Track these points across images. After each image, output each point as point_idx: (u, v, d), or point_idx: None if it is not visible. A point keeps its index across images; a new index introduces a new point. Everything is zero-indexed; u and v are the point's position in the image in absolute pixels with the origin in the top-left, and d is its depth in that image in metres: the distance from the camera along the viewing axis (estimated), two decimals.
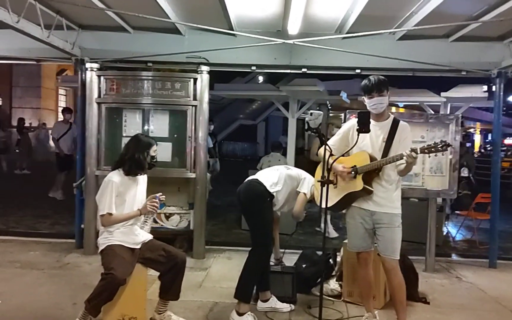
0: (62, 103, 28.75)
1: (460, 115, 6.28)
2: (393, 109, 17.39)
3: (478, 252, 7.42)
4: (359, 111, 3.58)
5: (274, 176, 4.49)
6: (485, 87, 8.61)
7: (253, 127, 28.66)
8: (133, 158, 3.97)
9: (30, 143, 16.71)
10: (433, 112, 9.17)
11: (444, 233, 8.36)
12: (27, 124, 16.85)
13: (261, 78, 20.04)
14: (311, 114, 3.38)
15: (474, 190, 9.34)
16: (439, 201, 7.36)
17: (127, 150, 4.07)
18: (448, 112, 9.44)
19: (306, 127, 3.41)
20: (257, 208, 4.38)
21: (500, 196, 6.55)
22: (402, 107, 15.03)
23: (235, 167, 15.46)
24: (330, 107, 3.27)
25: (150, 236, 4.12)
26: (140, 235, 4.01)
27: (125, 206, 3.94)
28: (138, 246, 3.95)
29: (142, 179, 4.15)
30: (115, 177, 3.94)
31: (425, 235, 6.05)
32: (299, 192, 4.47)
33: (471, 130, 37.52)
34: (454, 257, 7.16)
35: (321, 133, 3.44)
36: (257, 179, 4.45)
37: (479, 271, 6.21)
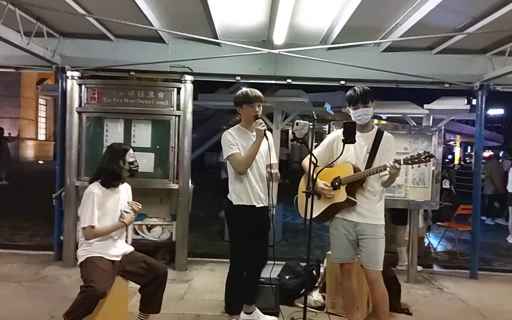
0: (42, 113, 28.45)
1: (443, 127, 6.31)
2: (375, 121, 17.57)
3: (459, 263, 7.46)
4: (345, 121, 3.57)
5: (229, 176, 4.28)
6: (466, 100, 8.72)
7: None
8: (107, 170, 3.92)
9: (9, 154, 16.36)
10: (415, 124, 9.24)
11: (426, 244, 8.40)
12: (6, 135, 16.43)
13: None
14: (297, 124, 3.36)
15: (454, 202, 9.43)
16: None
17: (102, 161, 4.02)
18: (431, 124, 9.53)
19: (292, 137, 3.38)
20: (227, 223, 4.36)
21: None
22: (384, 120, 15.14)
23: (218, 178, 15.39)
24: (316, 118, 3.20)
25: (131, 248, 4.05)
26: (121, 246, 3.94)
27: (106, 217, 3.86)
28: (119, 258, 3.87)
29: (125, 189, 4.09)
30: (96, 188, 3.87)
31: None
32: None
33: (451, 142, 38.03)
34: (435, 268, 7.18)
35: (307, 144, 3.42)
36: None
37: (460, 282, 6.24)
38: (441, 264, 7.51)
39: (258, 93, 4.13)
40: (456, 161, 37.11)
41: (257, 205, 4.14)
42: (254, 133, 4.07)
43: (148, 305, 3.89)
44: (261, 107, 4.17)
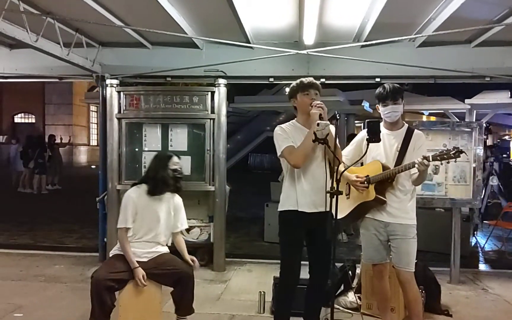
0: (93, 119, 29.50)
1: (484, 122, 6.10)
2: (424, 118, 17.16)
3: (507, 263, 7.17)
4: (368, 120, 3.53)
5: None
6: (510, 93, 8.37)
7: None
8: (153, 178, 4.03)
9: (61, 159, 17.07)
10: (458, 120, 8.97)
11: (472, 244, 8.13)
12: (57, 141, 17.14)
13: (287, 90, 19.86)
14: (318, 124, 3.34)
15: (506, 199, 9.09)
16: (466, 211, 7.18)
17: (148, 170, 4.18)
18: (474, 119, 9.21)
19: (313, 138, 3.36)
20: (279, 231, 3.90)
21: None
22: (428, 115, 14.76)
23: (262, 179, 15.47)
24: (338, 117, 3.11)
25: (164, 250, 4.11)
26: (151, 248, 4.00)
27: (143, 224, 3.97)
28: (145, 259, 3.93)
29: (171, 200, 4.11)
30: (133, 193, 4.00)
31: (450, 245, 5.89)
32: None
33: (506, 137, 36.48)
34: (481, 268, 6.94)
35: (328, 144, 3.39)
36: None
37: (507, 283, 5.99)
38: (488, 264, 7.26)
39: (313, 80, 3.77)
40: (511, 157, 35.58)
41: (309, 211, 3.65)
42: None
43: (178, 307, 3.95)
44: (319, 96, 3.73)
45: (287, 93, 4.03)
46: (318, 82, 3.86)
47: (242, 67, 6.30)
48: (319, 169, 3.65)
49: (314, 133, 3.34)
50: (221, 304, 5.10)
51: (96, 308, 3.65)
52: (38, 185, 15.17)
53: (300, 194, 3.66)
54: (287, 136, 3.72)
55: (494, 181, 9.12)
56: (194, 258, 4.04)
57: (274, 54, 6.01)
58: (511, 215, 7.83)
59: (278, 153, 3.75)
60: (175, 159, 4.13)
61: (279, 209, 3.82)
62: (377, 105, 3.89)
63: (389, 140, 3.79)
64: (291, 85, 3.87)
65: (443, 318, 4.74)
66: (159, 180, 4.00)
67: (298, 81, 3.83)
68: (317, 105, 3.57)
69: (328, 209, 3.33)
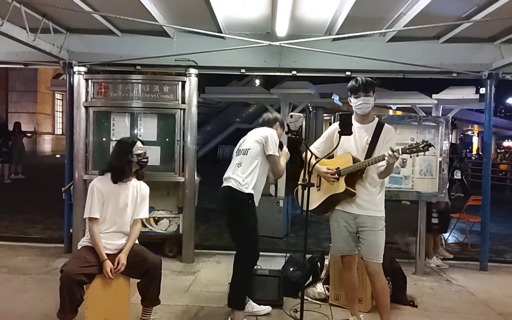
0: (58, 108, 28.79)
1: (450, 117, 6.23)
2: (390, 112, 17.42)
3: (469, 254, 7.36)
4: (340, 113, 3.56)
5: (242, 171, 4.21)
6: (475, 89, 8.55)
7: (249, 131, 28.43)
8: (115, 165, 3.94)
9: (22, 147, 16.57)
10: (425, 115, 9.15)
11: None
12: (24, 129, 16.67)
13: (257, 82, 20.06)
14: (291, 116, 3.35)
15: (468, 193, 9.30)
16: None
17: (111, 157, 4.07)
18: (440, 114, 9.41)
19: (286, 130, 3.38)
20: (240, 216, 4.24)
21: (495, 198, 6.50)
22: (395, 110, 15.02)
23: None
24: (311, 110, 3.23)
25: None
26: (119, 240, 3.93)
27: (109, 212, 3.90)
28: (114, 252, 3.86)
29: (138, 187, 4.04)
30: (98, 182, 3.93)
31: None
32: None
33: (469, 132, 37.55)
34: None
35: (301, 136, 3.41)
36: (230, 187, 4.22)
37: (470, 274, 6.17)
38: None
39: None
40: (474, 151, 36.62)
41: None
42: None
43: (144, 297, 3.90)
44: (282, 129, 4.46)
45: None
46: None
47: (213, 57, 6.26)
48: None
49: (287, 125, 3.36)
50: (190, 295, 5.07)
51: (66, 302, 3.55)
52: (0, 174, 14.75)
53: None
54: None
55: (457, 175, 9.33)
56: (121, 261, 3.79)
57: (246, 45, 5.99)
58: (475, 209, 8.02)
59: (270, 152, 4.16)
60: (139, 144, 4.04)
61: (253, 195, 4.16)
62: (349, 97, 3.92)
63: (360, 133, 3.84)
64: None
65: (409, 309, 4.84)
66: (123, 167, 3.93)
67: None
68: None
69: None
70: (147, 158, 4.11)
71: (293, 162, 4.43)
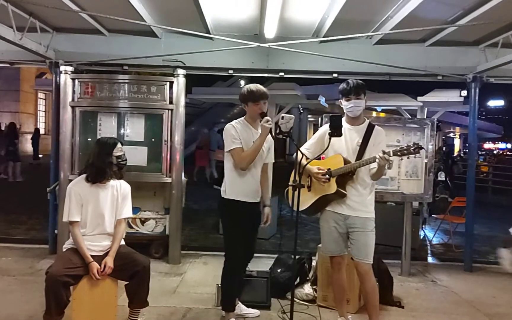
0: (41, 107, 28.41)
1: (436, 119, 6.31)
2: (374, 113, 17.54)
3: (454, 255, 7.47)
4: (331, 115, 3.58)
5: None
6: (460, 92, 8.68)
7: None
8: (93, 165, 3.87)
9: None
10: (410, 117, 9.25)
11: (421, 237, 8.41)
12: (3, 128, 16.48)
13: (242, 83, 20.03)
14: (282, 117, 3.37)
15: (452, 194, 9.43)
16: (415, 205, 7.41)
17: (89, 157, 3.98)
18: (425, 117, 9.53)
19: (277, 131, 3.39)
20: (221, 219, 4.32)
21: (477, 199, 6.60)
22: (381, 111, 15.15)
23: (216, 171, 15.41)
24: (302, 111, 3.23)
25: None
26: (104, 242, 3.89)
27: (88, 214, 3.83)
28: (100, 253, 3.83)
29: (118, 186, 3.98)
30: (76, 184, 3.86)
31: (402, 239, 6.06)
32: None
33: (451, 134, 38.01)
34: (430, 260, 7.20)
35: (292, 137, 3.42)
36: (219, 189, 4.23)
37: (455, 275, 6.25)
38: (436, 257, 7.53)
39: (263, 89, 4.02)
40: (456, 153, 37.07)
41: (251, 201, 4.10)
42: (258, 131, 3.99)
43: (132, 299, 3.86)
44: (267, 104, 4.04)
45: (240, 93, 4.15)
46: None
47: (201, 58, 6.24)
48: (259, 166, 4.15)
49: (279, 126, 3.37)
50: (177, 297, 5.04)
51: (52, 304, 3.49)
52: (12, 173, 15.13)
53: (246, 186, 4.08)
54: (237, 137, 3.98)
55: (442, 176, 9.47)
56: (107, 265, 3.73)
57: (234, 46, 5.99)
58: (458, 210, 8.13)
59: (226, 150, 4.04)
60: (119, 145, 4.00)
61: (229, 197, 4.06)
62: (340, 100, 3.95)
63: (351, 134, 3.87)
64: (242, 91, 4.11)
65: (396, 309, 4.89)
66: (101, 168, 3.85)
67: (249, 88, 4.04)
68: (268, 122, 3.82)
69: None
70: (126, 160, 4.07)
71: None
